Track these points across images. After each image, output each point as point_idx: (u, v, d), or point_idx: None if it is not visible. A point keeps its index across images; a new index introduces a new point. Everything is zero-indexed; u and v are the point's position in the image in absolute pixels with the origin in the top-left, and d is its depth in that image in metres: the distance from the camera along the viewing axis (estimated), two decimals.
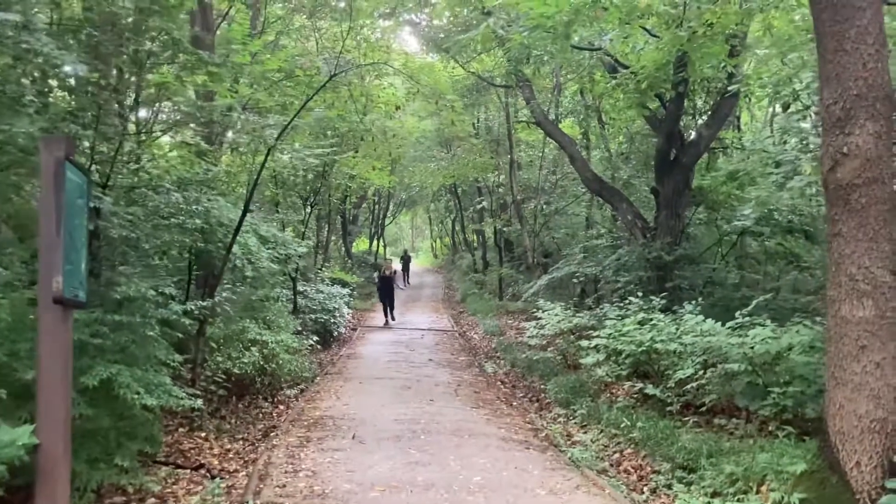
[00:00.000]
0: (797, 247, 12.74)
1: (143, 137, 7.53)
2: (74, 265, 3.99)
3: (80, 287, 4.08)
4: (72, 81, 6.63)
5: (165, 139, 8.89)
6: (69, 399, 3.98)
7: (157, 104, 8.44)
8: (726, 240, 14.33)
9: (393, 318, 20.66)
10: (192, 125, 8.38)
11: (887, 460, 5.03)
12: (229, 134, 10.35)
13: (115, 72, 7.36)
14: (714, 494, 6.05)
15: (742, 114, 19.48)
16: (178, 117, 7.68)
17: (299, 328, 12.92)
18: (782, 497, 5.32)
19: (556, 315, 12.44)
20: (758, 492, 5.69)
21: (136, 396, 5.01)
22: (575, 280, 16.92)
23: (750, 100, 17.34)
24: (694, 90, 14.39)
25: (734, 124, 17.83)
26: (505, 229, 25.83)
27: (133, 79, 7.49)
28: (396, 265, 29.40)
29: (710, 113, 14.46)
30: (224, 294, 8.52)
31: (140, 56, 7.01)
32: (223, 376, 8.37)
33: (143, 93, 7.68)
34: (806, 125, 10.97)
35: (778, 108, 17.22)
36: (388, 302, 20.63)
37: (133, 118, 7.90)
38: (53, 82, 6.86)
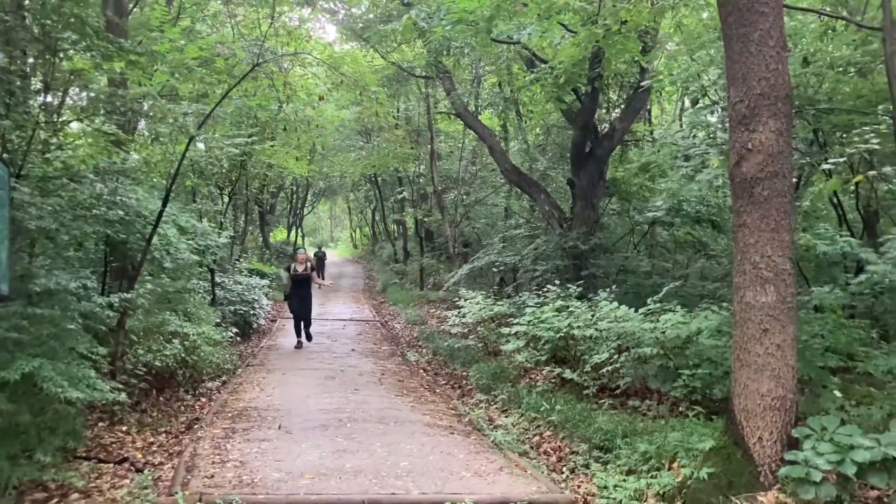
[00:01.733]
0: (705, 236, 13.37)
1: (58, 126, 7.33)
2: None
3: (2, 280, 4.01)
4: None
5: (78, 127, 8.66)
6: None
7: (66, 90, 8.22)
8: (638, 229, 14.91)
9: (309, 338, 14.65)
10: (105, 113, 8.18)
11: (786, 435, 5.40)
12: (142, 123, 10.12)
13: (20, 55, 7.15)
14: (629, 472, 6.34)
15: (653, 107, 20.19)
16: (97, 105, 7.47)
17: (218, 320, 12.75)
18: (692, 472, 5.63)
19: (477, 303, 12.68)
20: (669, 468, 6.01)
21: (59, 390, 4.93)
22: (494, 269, 17.25)
23: (661, 94, 18.03)
24: (608, 84, 14.87)
25: (646, 118, 18.50)
26: (426, 219, 25.99)
27: (41, 63, 7.28)
28: (312, 254, 25.50)
29: (623, 107, 14.98)
30: (148, 286, 8.37)
31: (52, 42, 6.82)
32: (144, 369, 8.24)
33: (56, 80, 7.47)
34: (713, 119, 11.49)
35: (687, 103, 17.96)
36: (302, 313, 14.41)
37: (43, 105, 7.67)
38: None
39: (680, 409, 7.44)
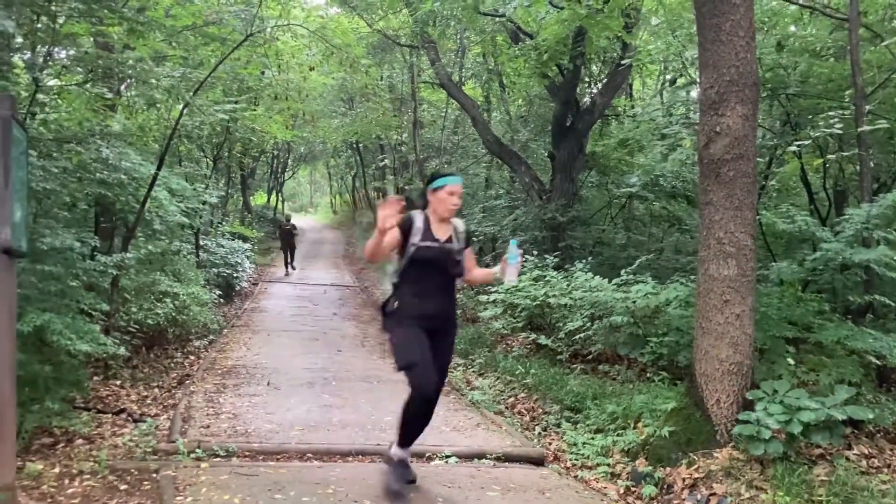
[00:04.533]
0: (680, 210, 13.80)
1: (56, 89, 7.53)
2: (18, 216, 4.21)
3: (22, 237, 4.31)
4: None
5: (74, 90, 8.83)
6: (14, 344, 4.22)
7: (51, 51, 8.36)
8: (616, 203, 15.31)
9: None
10: (101, 77, 8.36)
11: (742, 397, 5.86)
12: (122, 86, 10.28)
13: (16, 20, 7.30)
14: (597, 431, 6.80)
15: (635, 82, 20.48)
16: (93, 69, 7.68)
17: (203, 282, 13.03)
18: (654, 430, 6.08)
19: None
20: (634, 427, 6.47)
21: (68, 342, 5.25)
22: (474, 238, 17.62)
23: (643, 69, 18.34)
24: (591, 59, 15.16)
25: (627, 92, 18.82)
26: (407, 187, 26.19)
27: (30, 25, 7.43)
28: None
29: (604, 82, 15.30)
30: (149, 247, 8.67)
31: (52, 10, 7.00)
32: (136, 327, 8.54)
33: (41, 40, 7.62)
34: (694, 94, 11.81)
35: (670, 77, 18.29)
36: None
37: (43, 66, 7.84)
38: None
39: (647, 374, 7.91)
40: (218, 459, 5.39)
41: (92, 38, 8.63)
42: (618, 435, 6.49)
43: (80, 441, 5.66)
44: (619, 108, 17.43)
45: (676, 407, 6.18)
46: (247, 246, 19.55)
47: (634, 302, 8.23)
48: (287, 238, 22.23)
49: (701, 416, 6.01)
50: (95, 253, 6.62)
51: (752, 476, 5.33)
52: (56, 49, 8.63)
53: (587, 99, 15.83)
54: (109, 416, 6.53)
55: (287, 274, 21.21)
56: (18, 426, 5.10)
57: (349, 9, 18.23)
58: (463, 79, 21.09)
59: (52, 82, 8.70)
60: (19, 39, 7.96)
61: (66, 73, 8.44)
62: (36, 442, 5.47)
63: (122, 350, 6.30)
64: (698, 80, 6.37)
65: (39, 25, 7.19)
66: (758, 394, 5.76)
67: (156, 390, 7.79)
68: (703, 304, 6.04)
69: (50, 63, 8.41)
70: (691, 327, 7.25)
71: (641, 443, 6.16)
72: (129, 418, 6.56)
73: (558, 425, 7.24)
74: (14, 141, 4.14)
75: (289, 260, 22.17)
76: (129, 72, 8.49)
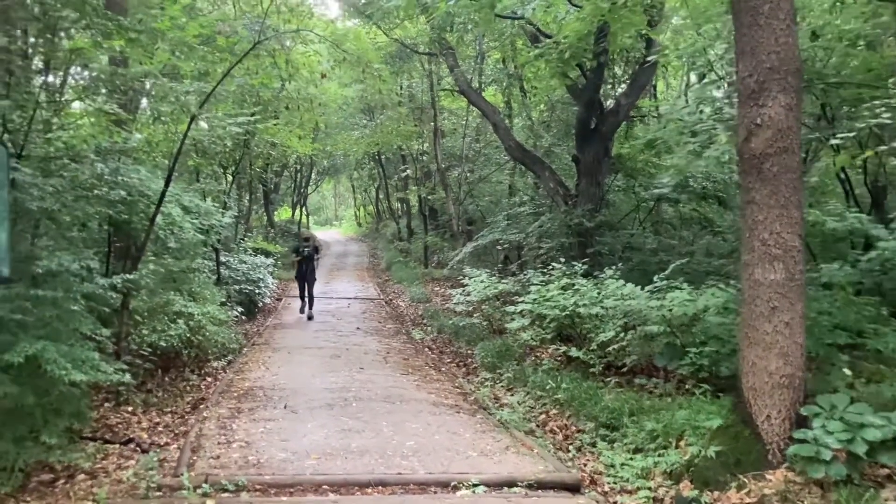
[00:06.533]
0: (711, 212, 13.28)
1: (60, 105, 7.26)
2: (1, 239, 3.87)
3: (2, 261, 3.97)
4: None
5: (80, 106, 8.59)
6: None
7: (67, 69, 8.15)
8: (644, 206, 14.81)
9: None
10: (106, 92, 8.11)
11: (795, 413, 5.37)
12: (143, 101, 10.03)
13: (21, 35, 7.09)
14: (636, 451, 6.33)
15: (658, 83, 19.98)
16: (98, 84, 7.40)
17: (224, 299, 12.73)
18: (699, 450, 5.61)
19: (482, 282, 12.66)
20: (677, 446, 5.99)
21: (63, 372, 4.90)
22: (499, 247, 17.21)
23: (666, 69, 17.83)
24: (613, 59, 14.72)
25: (651, 93, 18.31)
26: (429, 197, 25.88)
27: (41, 43, 7.20)
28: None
29: (628, 82, 14.82)
30: (152, 266, 8.33)
31: (52, 21, 6.74)
32: (149, 349, 8.21)
33: (55, 59, 7.41)
34: (719, 94, 11.34)
35: (693, 78, 17.77)
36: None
37: (44, 85, 7.60)
38: None
39: (686, 387, 7.42)
40: (226, 495, 5.00)
41: (105, 56, 8.42)
42: (659, 455, 6.01)
43: (81, 476, 5.31)
44: (644, 110, 16.94)
45: (722, 424, 5.71)
46: (269, 261, 19.28)
47: (670, 310, 7.74)
48: (303, 266, 15.06)
49: (750, 433, 5.52)
50: (95, 275, 6.28)
51: (811, 501, 4.85)
52: (73, 69, 8.43)
53: (611, 101, 15.36)
54: (117, 446, 6.18)
55: (302, 311, 15.25)
56: (11, 464, 4.77)
57: (365, 18, 17.94)
58: (483, 85, 20.71)
59: (76, 104, 8.48)
60: (38, 63, 7.77)
61: (85, 92, 8.20)
62: (34, 479, 5.12)
63: (127, 377, 5.94)
64: (734, 70, 5.90)
65: (52, 39, 6.95)
66: (813, 409, 5.26)
67: (168, 416, 7.44)
68: (749, 312, 5.56)
69: (62, 82, 8.20)
70: (732, 335, 6.77)
71: (685, 464, 5.68)
72: (138, 448, 6.20)
73: (594, 444, 6.78)
74: None
75: (305, 296, 15.25)
76: (138, 86, 8.24)
